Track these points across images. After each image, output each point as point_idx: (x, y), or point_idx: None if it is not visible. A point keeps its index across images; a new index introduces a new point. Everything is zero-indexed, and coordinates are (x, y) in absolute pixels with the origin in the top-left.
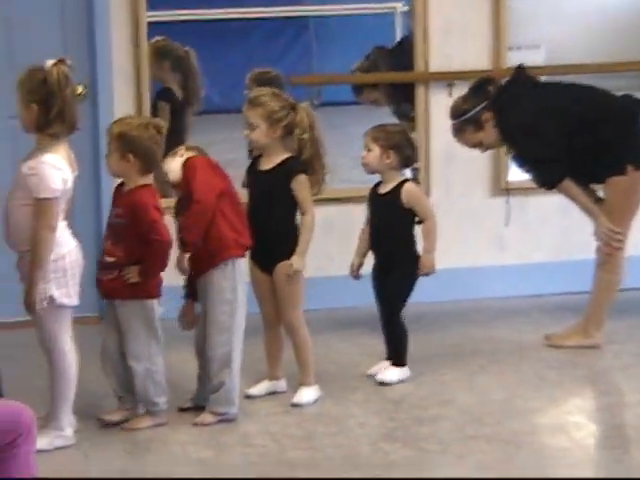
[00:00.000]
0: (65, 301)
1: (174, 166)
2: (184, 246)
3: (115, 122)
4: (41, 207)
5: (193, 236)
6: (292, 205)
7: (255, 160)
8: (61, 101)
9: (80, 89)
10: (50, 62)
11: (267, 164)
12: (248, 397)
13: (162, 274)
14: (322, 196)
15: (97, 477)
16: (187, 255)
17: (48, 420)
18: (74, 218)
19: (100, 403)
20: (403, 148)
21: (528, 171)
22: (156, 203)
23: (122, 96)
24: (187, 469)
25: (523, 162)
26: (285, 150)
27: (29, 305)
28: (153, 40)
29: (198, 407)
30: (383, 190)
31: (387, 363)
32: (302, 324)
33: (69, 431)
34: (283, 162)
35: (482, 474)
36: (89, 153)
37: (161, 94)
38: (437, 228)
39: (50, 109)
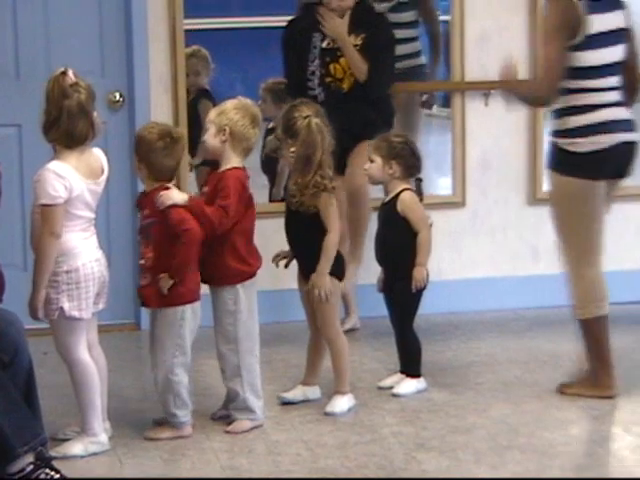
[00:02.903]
0: (75, 314)
1: (212, 141)
2: None
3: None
4: (43, 213)
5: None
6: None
7: None
8: (55, 111)
9: (117, 96)
10: (55, 73)
11: None
12: (283, 404)
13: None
14: None
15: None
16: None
17: (83, 427)
18: (109, 225)
19: (136, 408)
20: (406, 158)
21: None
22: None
23: (159, 104)
24: (220, 477)
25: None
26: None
27: (32, 310)
28: (190, 50)
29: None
30: (385, 200)
31: (401, 376)
32: (338, 335)
33: (103, 437)
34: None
35: None
36: (127, 159)
37: (202, 94)
38: (430, 241)
39: (47, 117)
